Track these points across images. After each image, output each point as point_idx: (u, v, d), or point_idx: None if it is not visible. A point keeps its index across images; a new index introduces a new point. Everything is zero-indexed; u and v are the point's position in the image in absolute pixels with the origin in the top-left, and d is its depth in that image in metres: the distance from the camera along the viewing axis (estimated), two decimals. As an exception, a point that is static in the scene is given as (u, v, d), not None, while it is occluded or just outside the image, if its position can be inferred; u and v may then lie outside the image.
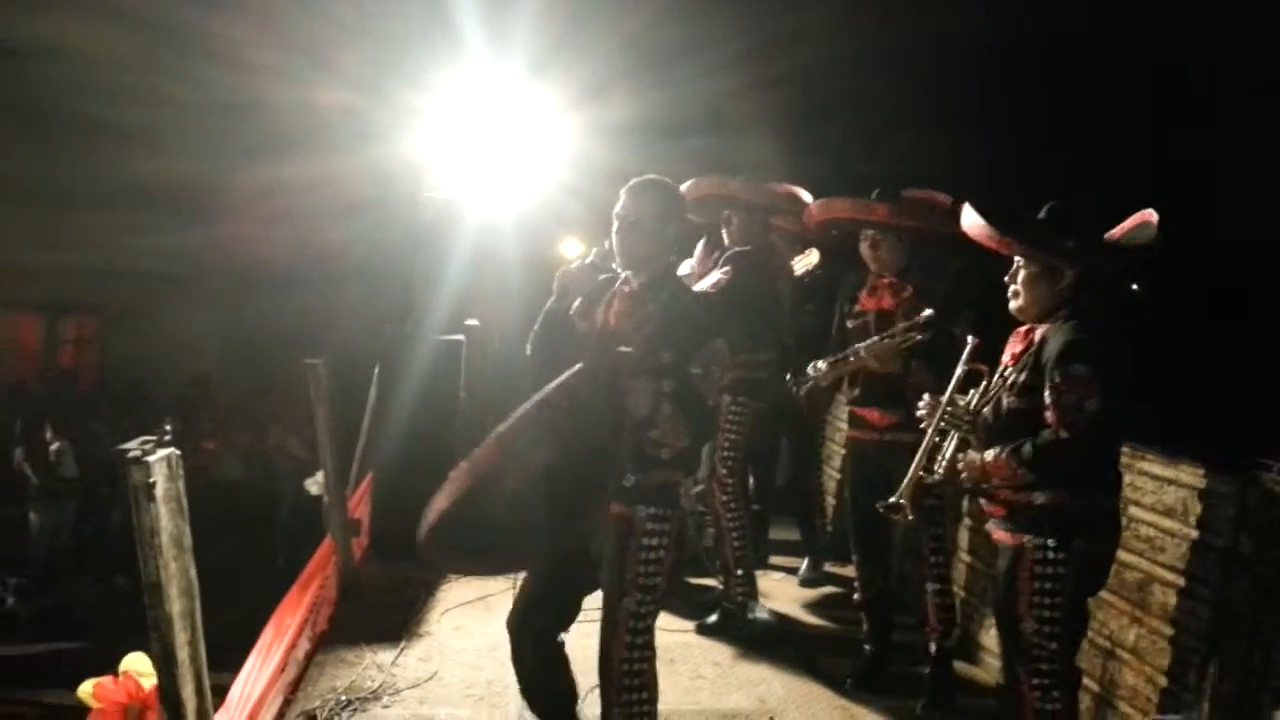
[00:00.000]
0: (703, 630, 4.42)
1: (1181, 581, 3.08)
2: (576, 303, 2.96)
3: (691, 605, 4.66)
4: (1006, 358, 3.01)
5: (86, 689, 3.03)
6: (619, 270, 2.95)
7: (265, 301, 10.00)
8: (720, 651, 4.24)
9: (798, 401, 5.02)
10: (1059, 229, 2.86)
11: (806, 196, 4.41)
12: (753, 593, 4.50)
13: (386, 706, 3.66)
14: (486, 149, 6.14)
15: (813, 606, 4.89)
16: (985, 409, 2.94)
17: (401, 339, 5.38)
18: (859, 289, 3.94)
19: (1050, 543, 2.73)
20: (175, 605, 2.35)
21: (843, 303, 4.03)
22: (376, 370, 5.43)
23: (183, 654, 2.42)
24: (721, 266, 4.38)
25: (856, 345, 3.80)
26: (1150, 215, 2.86)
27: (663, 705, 3.68)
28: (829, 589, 5.14)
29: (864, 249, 3.87)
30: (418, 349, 5.29)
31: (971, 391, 3.01)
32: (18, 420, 9.59)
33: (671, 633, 4.42)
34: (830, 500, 5.84)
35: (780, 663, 4.06)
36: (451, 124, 6.32)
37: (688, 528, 3.07)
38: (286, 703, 3.60)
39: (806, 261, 4.75)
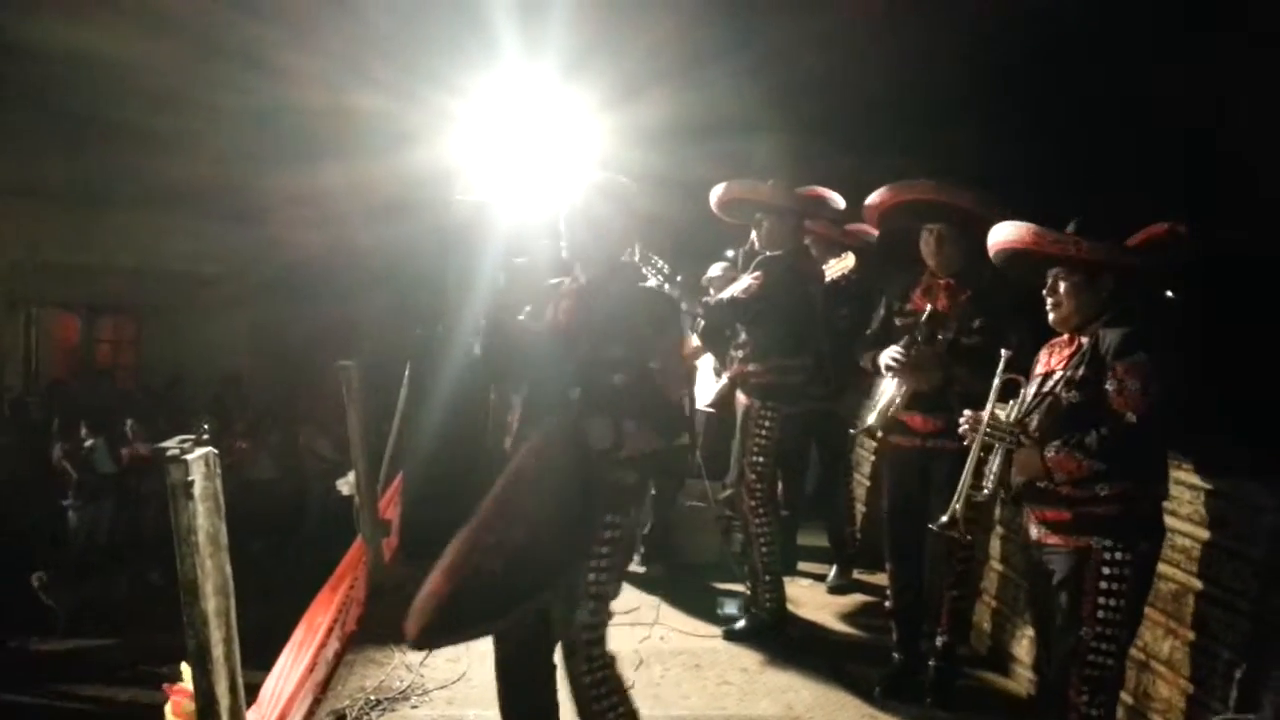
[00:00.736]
0: (730, 636, 4.41)
1: (1218, 593, 3.03)
2: (527, 308, 2.90)
3: (714, 611, 4.67)
4: (1045, 366, 3.00)
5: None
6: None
7: (299, 303, 10.11)
8: (748, 658, 4.22)
9: (830, 406, 5.03)
10: (1099, 236, 2.85)
11: (839, 200, 4.39)
12: (781, 600, 4.49)
13: (415, 707, 3.69)
14: (518, 151, 6.16)
15: (841, 614, 4.86)
16: (1036, 411, 2.92)
17: (432, 341, 5.40)
18: (911, 287, 3.83)
19: (1119, 545, 2.78)
20: (210, 603, 2.38)
21: (891, 300, 3.91)
22: (407, 372, 5.46)
23: (217, 651, 2.45)
24: (753, 272, 4.37)
25: (892, 384, 3.69)
26: (1163, 228, 2.86)
27: (689, 711, 3.72)
28: (858, 596, 5.11)
29: (925, 245, 3.75)
30: (449, 351, 5.31)
31: (1011, 403, 2.99)
32: (55, 418, 9.77)
33: (699, 638, 4.43)
34: (860, 507, 5.80)
35: (808, 670, 4.05)
36: (483, 127, 6.35)
37: (638, 533, 2.97)
38: (316, 702, 3.64)
39: (842, 265, 4.73)
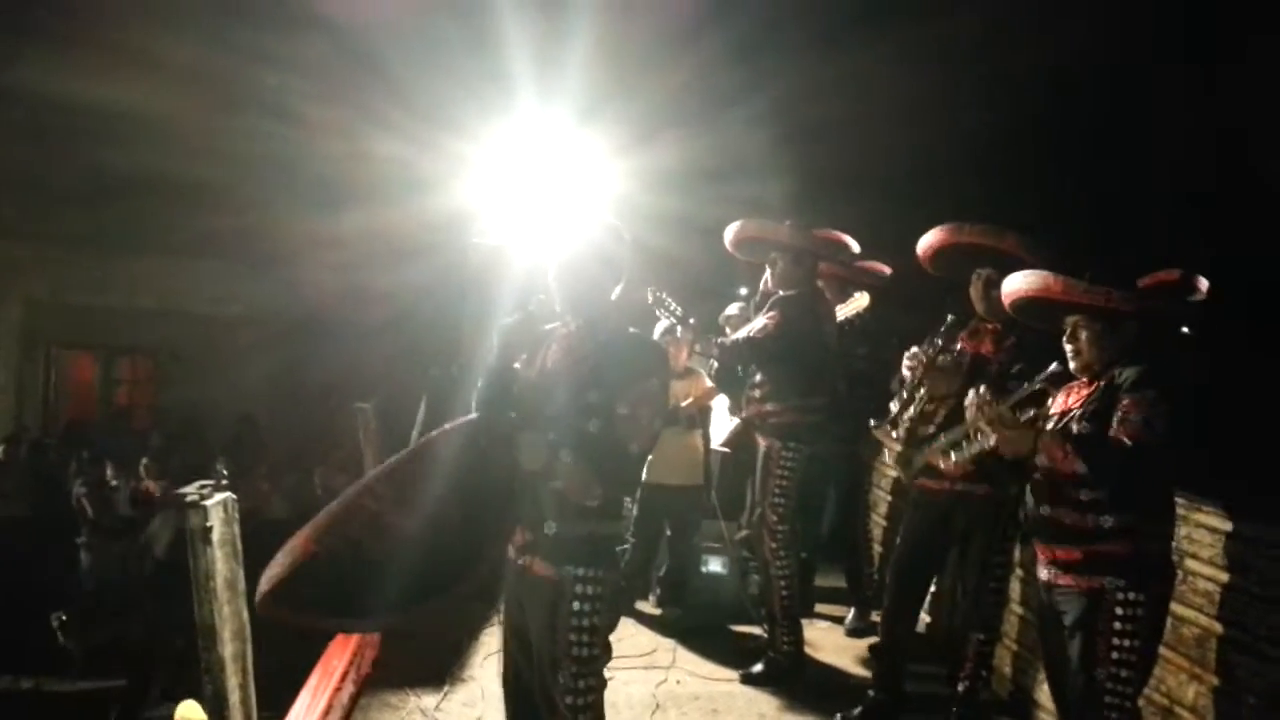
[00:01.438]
0: (747, 680, 4.36)
1: (1243, 638, 2.99)
2: (523, 357, 2.84)
3: (736, 654, 4.63)
4: (1061, 406, 3.00)
5: None
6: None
7: (317, 346, 10.19)
8: (765, 702, 4.18)
9: (848, 447, 5.02)
10: (1118, 283, 2.87)
11: (853, 244, 4.42)
12: (799, 643, 4.45)
13: (430, 751, 3.66)
14: (533, 195, 6.25)
15: (859, 657, 4.80)
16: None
17: (447, 381, 5.45)
18: (958, 329, 3.80)
19: (1131, 585, 2.78)
20: (228, 649, 2.38)
21: (933, 340, 3.82)
22: (421, 411, 5.50)
23: (234, 697, 2.44)
24: (767, 311, 4.39)
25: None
26: (1176, 275, 2.90)
27: (707, 758, 3.67)
28: (876, 638, 5.05)
29: (974, 289, 3.75)
30: (463, 391, 5.34)
31: (1031, 410, 2.98)
32: (73, 459, 9.82)
33: (716, 682, 4.39)
34: (877, 548, 5.76)
35: (826, 714, 3.98)
36: (499, 171, 6.44)
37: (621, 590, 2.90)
38: (332, 746, 3.61)
39: (856, 305, 4.75)
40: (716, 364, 4.69)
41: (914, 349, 3.73)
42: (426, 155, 6.93)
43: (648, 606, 5.35)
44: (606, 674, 2.75)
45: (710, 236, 4.68)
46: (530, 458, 2.57)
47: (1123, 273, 2.92)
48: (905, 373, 3.77)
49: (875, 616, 5.25)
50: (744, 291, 5.01)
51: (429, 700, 4.02)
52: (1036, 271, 3.01)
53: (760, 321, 4.37)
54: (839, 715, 3.92)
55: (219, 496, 2.36)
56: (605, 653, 2.71)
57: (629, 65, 7.14)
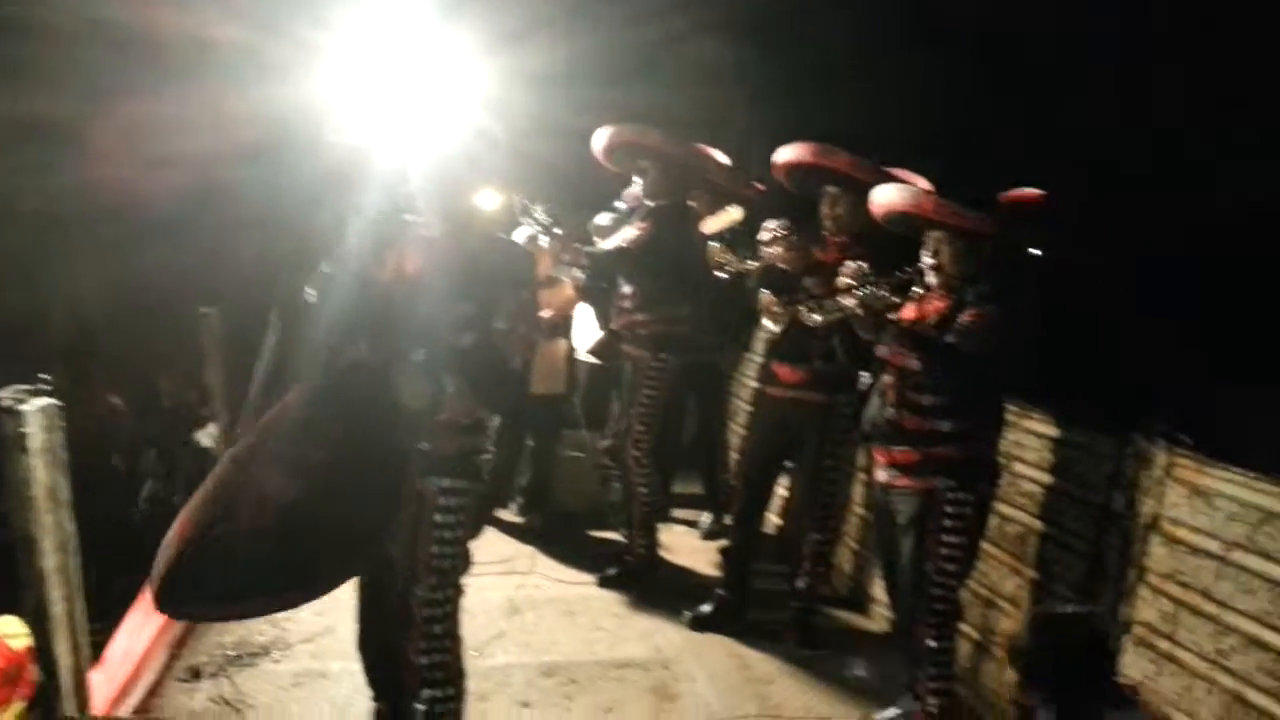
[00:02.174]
0: (604, 583, 4.46)
1: (1059, 535, 3.23)
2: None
3: (594, 559, 4.71)
4: (914, 314, 3.12)
5: None
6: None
7: (159, 247, 9.54)
8: (620, 604, 4.29)
9: (712, 358, 5.10)
10: (980, 203, 2.99)
11: (723, 157, 4.40)
12: (653, 547, 4.56)
13: (277, 661, 3.60)
14: (395, 93, 5.93)
15: (713, 559, 4.95)
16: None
17: (300, 287, 5.20)
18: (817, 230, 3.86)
19: (961, 486, 3.00)
20: (50, 560, 2.25)
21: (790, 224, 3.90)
22: (274, 318, 5.25)
23: (57, 609, 2.33)
24: (637, 221, 4.35)
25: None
26: (1036, 194, 3.05)
27: (561, 657, 3.76)
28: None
29: (822, 207, 3.82)
30: (322, 300, 5.13)
31: (895, 299, 3.11)
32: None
33: (573, 585, 4.47)
34: (734, 455, 5.91)
35: (678, 614, 4.12)
36: (355, 65, 6.07)
37: (484, 502, 2.79)
38: (172, 658, 3.51)
39: (728, 219, 4.75)
40: (584, 274, 4.65)
41: (778, 221, 3.80)
42: (273, 41, 6.47)
43: (509, 514, 5.37)
44: (464, 581, 2.73)
45: (584, 143, 4.56)
46: (413, 396, 2.44)
47: (981, 190, 3.05)
48: (762, 234, 3.84)
49: (730, 521, 5.43)
50: (621, 204, 4.92)
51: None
52: (910, 188, 3.12)
53: (630, 231, 4.34)
54: (686, 612, 4.07)
55: (38, 402, 2.20)
56: (464, 564, 2.67)
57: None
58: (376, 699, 2.88)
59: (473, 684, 2.85)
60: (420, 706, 2.63)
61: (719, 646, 3.92)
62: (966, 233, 2.99)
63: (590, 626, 4.06)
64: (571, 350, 5.30)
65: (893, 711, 3.37)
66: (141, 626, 3.24)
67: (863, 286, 3.08)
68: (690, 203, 4.45)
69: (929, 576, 3.05)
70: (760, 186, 4.68)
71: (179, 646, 3.59)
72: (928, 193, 3.14)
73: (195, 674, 3.43)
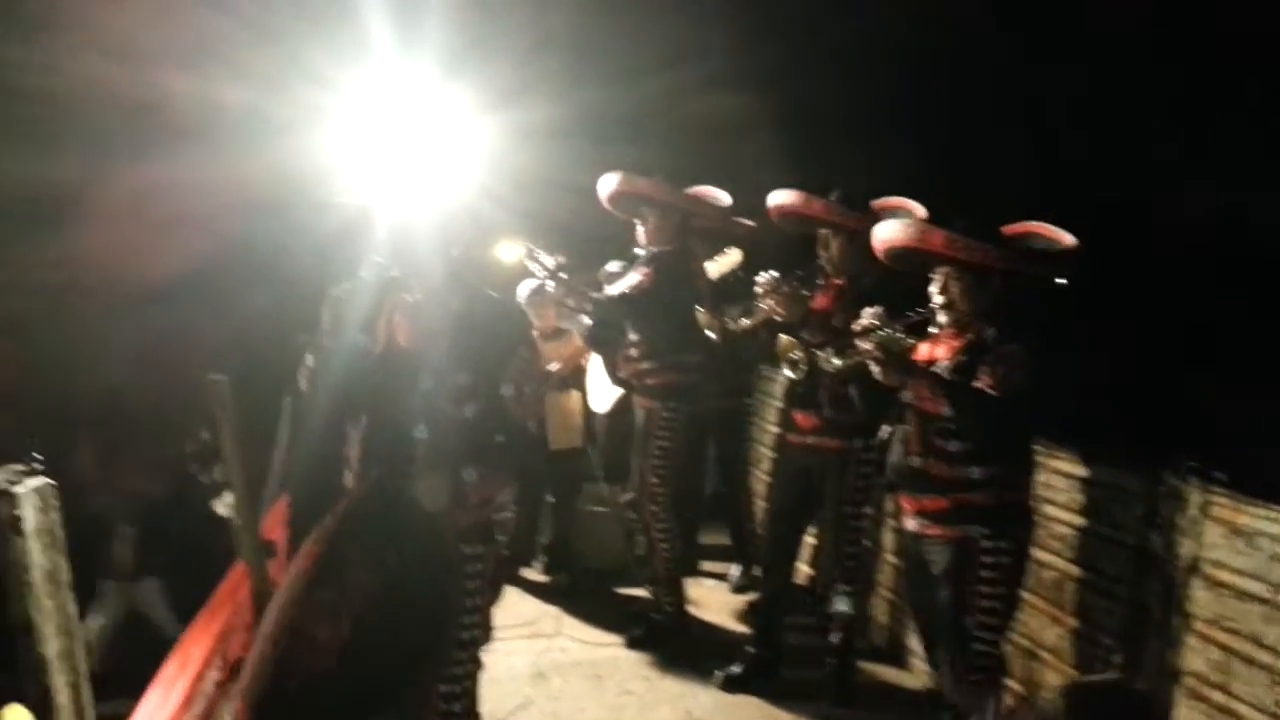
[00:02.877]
0: (632, 644, 4.34)
1: (1096, 580, 3.10)
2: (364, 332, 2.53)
3: (622, 617, 4.59)
4: (928, 355, 3.02)
5: None
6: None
7: (174, 309, 9.60)
8: (648, 665, 4.17)
9: (727, 404, 5.02)
10: (988, 237, 2.90)
11: (723, 197, 4.36)
12: (681, 604, 4.44)
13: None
14: (398, 152, 5.95)
15: (743, 613, 4.83)
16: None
17: (316, 349, 5.17)
18: (814, 276, 3.81)
19: (997, 534, 2.86)
20: (52, 646, 2.19)
21: (788, 274, 3.83)
22: (294, 384, 5.21)
23: (62, 697, 2.25)
24: (640, 267, 4.31)
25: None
26: (1043, 227, 2.96)
27: (588, 725, 3.63)
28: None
29: (819, 248, 3.78)
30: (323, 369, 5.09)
31: (911, 340, 3.02)
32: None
33: (600, 647, 4.35)
34: (761, 504, 5.80)
35: (709, 673, 3.99)
36: (360, 124, 6.11)
37: (501, 564, 2.66)
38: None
39: (729, 262, 4.70)
40: (590, 321, 4.59)
41: (769, 274, 3.73)
42: (278, 102, 6.53)
43: (534, 573, 5.26)
44: (485, 652, 2.62)
45: (586, 199, 4.55)
46: (433, 499, 2.34)
47: (988, 223, 2.96)
48: (757, 288, 3.76)
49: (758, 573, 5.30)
50: (639, 252, 4.90)
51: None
52: (913, 222, 3.04)
53: (634, 277, 4.29)
54: (718, 673, 3.94)
55: (32, 483, 2.15)
56: (485, 634, 2.57)
57: (493, 13, 6.88)
58: None
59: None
60: None
61: (753, 708, 3.79)
62: (974, 267, 2.89)
63: (618, 691, 3.93)
64: (585, 402, 5.23)
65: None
66: (158, 707, 3.15)
67: (879, 330, 2.99)
68: (692, 246, 4.41)
69: (969, 630, 2.91)
70: (750, 224, 4.63)
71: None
72: (930, 226, 3.03)
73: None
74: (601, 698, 3.87)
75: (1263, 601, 2.47)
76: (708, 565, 5.39)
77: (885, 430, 3.30)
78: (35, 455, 2.20)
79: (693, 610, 4.65)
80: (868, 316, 3.03)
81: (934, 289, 2.99)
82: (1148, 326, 5.20)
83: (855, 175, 3.87)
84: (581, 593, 4.97)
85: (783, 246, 4.31)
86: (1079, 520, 3.20)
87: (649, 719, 3.71)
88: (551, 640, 4.41)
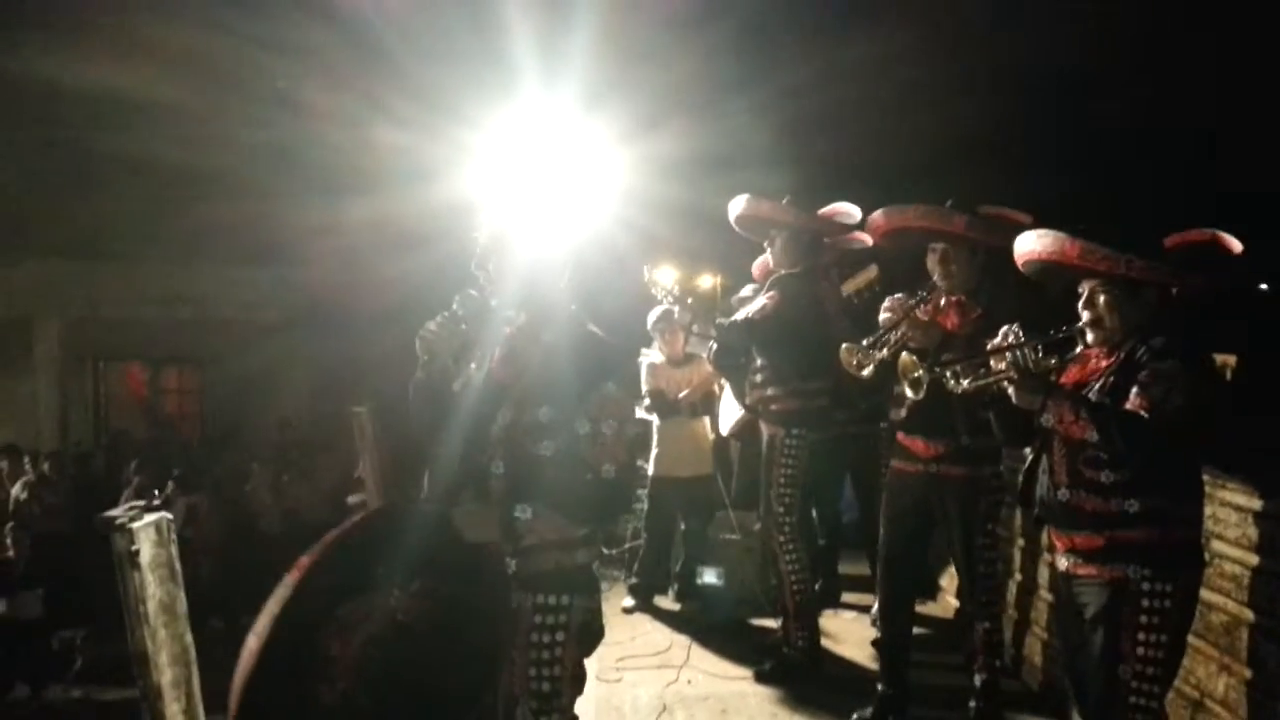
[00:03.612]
0: (760, 678, 4.19)
1: (1273, 625, 2.74)
2: (470, 365, 2.47)
3: (754, 650, 4.46)
4: (1075, 378, 2.77)
5: None
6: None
7: (347, 342, 10.21)
8: (777, 701, 4.00)
9: (860, 430, 4.81)
10: (1142, 248, 2.63)
11: (853, 211, 4.19)
12: (814, 638, 4.27)
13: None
14: (538, 184, 6.09)
15: (883, 649, 4.60)
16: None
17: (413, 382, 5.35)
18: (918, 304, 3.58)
19: (1158, 575, 2.55)
20: (166, 675, 2.29)
21: (917, 292, 3.63)
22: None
23: (178, 724, 2.36)
24: (767, 292, 4.20)
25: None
26: (1207, 235, 2.66)
27: (713, 764, 3.51)
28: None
29: (932, 263, 3.55)
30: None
31: (1054, 359, 2.77)
32: (126, 468, 9.91)
33: (728, 680, 4.23)
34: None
35: (843, 713, 3.77)
36: (503, 160, 6.31)
37: (598, 616, 2.45)
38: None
39: (865, 277, 4.52)
40: (716, 347, 4.51)
41: (898, 295, 3.56)
42: (430, 143, 6.85)
43: (667, 602, 5.20)
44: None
45: (718, 227, 4.51)
46: (478, 532, 2.25)
47: (1145, 236, 2.68)
48: (884, 315, 3.58)
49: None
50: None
51: None
52: (1052, 233, 2.77)
53: (759, 302, 4.18)
54: (855, 715, 3.74)
55: (150, 518, 2.27)
56: (573, 686, 2.41)
57: (634, 52, 6.99)
58: None
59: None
60: None
61: (883, 752, 3.58)
62: (1121, 279, 2.62)
63: (744, 728, 3.81)
64: (717, 428, 5.15)
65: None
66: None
67: (1016, 350, 2.76)
68: (825, 267, 4.25)
69: (1124, 681, 2.59)
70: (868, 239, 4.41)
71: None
72: (1068, 236, 2.77)
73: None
74: (726, 734, 3.75)
75: None
76: (849, 597, 5.16)
77: (1028, 452, 3.02)
78: (153, 491, 2.32)
79: (829, 644, 4.46)
80: (1004, 334, 2.82)
81: (1081, 305, 2.73)
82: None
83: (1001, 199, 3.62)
84: (714, 624, 4.85)
85: (916, 264, 4.12)
86: (1253, 559, 2.84)
87: (773, 759, 3.56)
88: (680, 671, 4.30)
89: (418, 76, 7.28)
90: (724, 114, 6.95)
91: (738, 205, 4.18)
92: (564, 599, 2.33)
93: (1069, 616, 2.83)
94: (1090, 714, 2.82)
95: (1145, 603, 2.56)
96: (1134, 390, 2.56)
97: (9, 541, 7.65)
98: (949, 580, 4.86)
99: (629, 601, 5.09)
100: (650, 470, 5.07)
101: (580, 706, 2.48)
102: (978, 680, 3.62)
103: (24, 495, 7.84)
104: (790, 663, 4.20)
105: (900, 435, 3.68)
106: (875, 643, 3.90)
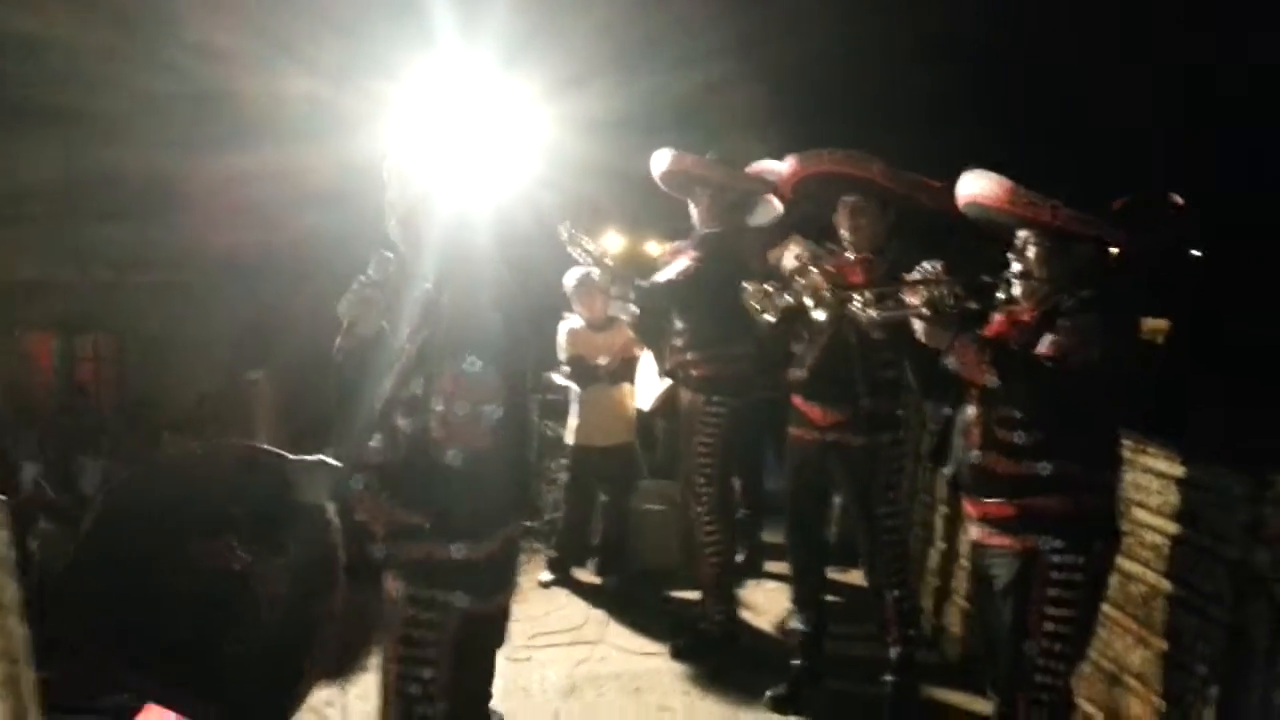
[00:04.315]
0: (677, 654, 4.04)
1: (1191, 598, 2.65)
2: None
3: (673, 624, 4.30)
4: (996, 330, 2.64)
5: None
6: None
7: (260, 304, 9.78)
8: (692, 679, 3.86)
9: (781, 392, 4.66)
10: (1085, 204, 2.49)
11: (779, 166, 4.01)
12: (732, 612, 4.13)
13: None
14: (458, 140, 5.84)
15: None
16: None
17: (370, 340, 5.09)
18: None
19: (1070, 546, 2.45)
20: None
21: (822, 242, 3.60)
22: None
23: None
24: (690, 251, 4.00)
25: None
26: (1157, 195, 2.59)
27: (624, 744, 3.36)
28: (829, 598, 4.72)
29: (842, 217, 3.42)
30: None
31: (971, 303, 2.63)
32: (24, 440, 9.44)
33: (642, 656, 4.07)
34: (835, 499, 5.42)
35: (759, 690, 3.66)
36: (421, 114, 6.02)
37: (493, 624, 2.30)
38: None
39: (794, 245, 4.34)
40: (636, 310, 4.31)
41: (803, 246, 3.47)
42: (344, 94, 6.52)
43: (586, 575, 5.03)
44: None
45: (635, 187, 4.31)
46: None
47: (1088, 194, 2.55)
48: (789, 261, 3.46)
49: (830, 573, 4.91)
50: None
51: (320, 695, 3.66)
52: (989, 174, 2.62)
53: (682, 262, 3.99)
54: (768, 693, 3.61)
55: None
56: (441, 698, 2.16)
57: (554, 4, 6.71)
58: None
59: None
60: None
61: (798, 732, 3.46)
62: (1053, 230, 2.48)
63: (656, 707, 3.65)
64: (635, 399, 4.96)
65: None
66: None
67: (934, 286, 2.60)
68: (747, 227, 4.06)
69: (1030, 657, 2.49)
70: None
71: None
72: (1012, 186, 2.63)
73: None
74: (638, 713, 3.60)
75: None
76: (772, 566, 5.03)
77: (945, 412, 2.88)
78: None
79: (749, 616, 4.35)
80: (923, 269, 2.66)
81: (1012, 255, 2.59)
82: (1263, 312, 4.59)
83: (920, 170, 3.48)
84: (632, 596, 4.70)
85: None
86: (1173, 528, 2.74)
87: (687, 739, 3.42)
88: (593, 648, 4.14)
89: (334, 20, 6.93)
90: (648, 72, 6.71)
91: (662, 161, 3.99)
92: (433, 593, 2.13)
93: (982, 587, 2.74)
94: (998, 688, 2.73)
95: (1054, 575, 2.46)
96: (1048, 338, 2.44)
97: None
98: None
99: (546, 575, 4.90)
100: (569, 440, 4.87)
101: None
102: (893, 653, 3.52)
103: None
104: (707, 637, 4.06)
105: (799, 400, 3.55)
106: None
